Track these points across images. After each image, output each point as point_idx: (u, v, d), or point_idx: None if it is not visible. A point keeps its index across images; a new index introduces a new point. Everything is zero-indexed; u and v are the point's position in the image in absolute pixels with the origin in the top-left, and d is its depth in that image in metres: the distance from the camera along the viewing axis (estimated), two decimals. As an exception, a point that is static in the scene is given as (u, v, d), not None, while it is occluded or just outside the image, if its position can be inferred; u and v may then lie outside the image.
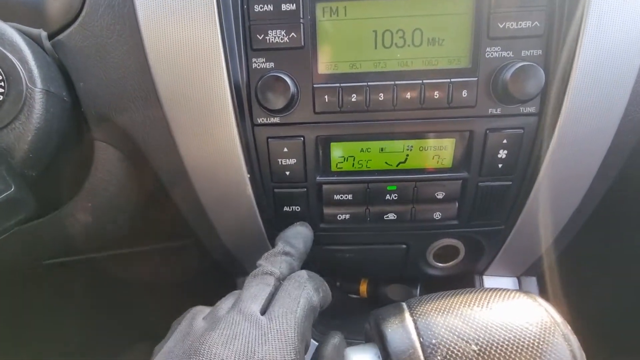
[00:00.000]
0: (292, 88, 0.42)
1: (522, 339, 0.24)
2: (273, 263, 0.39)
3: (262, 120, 0.44)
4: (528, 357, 0.23)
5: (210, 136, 0.44)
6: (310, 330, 0.33)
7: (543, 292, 0.61)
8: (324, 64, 0.43)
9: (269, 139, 0.45)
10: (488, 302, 0.27)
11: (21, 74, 0.38)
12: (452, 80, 0.42)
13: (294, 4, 0.41)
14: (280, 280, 0.37)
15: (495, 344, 0.24)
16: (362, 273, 0.67)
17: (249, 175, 0.46)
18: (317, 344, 0.62)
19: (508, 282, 0.61)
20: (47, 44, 0.42)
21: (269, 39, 0.42)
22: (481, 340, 0.24)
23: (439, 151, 0.46)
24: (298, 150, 0.45)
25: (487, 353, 0.24)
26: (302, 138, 0.45)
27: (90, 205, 0.51)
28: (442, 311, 0.27)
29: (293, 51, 0.42)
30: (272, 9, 0.41)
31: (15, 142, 0.38)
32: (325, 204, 0.49)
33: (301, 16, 0.41)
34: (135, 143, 0.47)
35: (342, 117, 0.44)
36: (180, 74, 0.41)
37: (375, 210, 0.49)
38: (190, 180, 0.48)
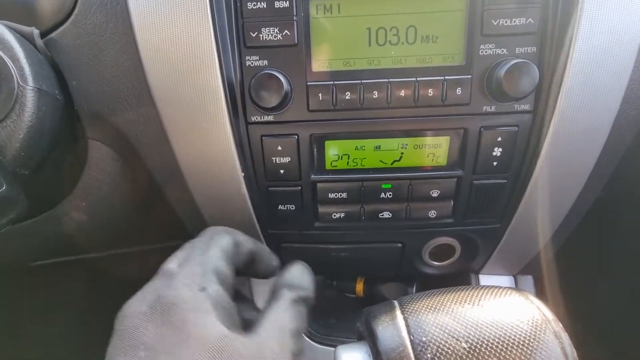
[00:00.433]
0: (286, 86, 0.42)
1: (513, 337, 0.24)
2: None
3: (256, 118, 0.44)
4: (518, 354, 0.23)
5: (203, 134, 0.44)
6: (227, 269, 0.34)
7: (539, 291, 0.61)
8: (318, 62, 0.43)
9: (263, 137, 0.45)
10: (479, 300, 0.27)
11: (13, 71, 0.38)
12: (446, 77, 0.42)
13: (287, 2, 0.41)
14: None
15: (486, 342, 0.24)
16: (358, 272, 0.67)
17: (243, 174, 0.46)
18: (314, 344, 0.62)
19: (504, 280, 0.61)
20: (39, 42, 0.42)
21: (263, 37, 0.41)
22: (471, 337, 0.24)
23: (433, 149, 0.46)
24: (292, 148, 0.45)
25: (477, 350, 0.24)
26: (296, 136, 0.45)
27: (84, 205, 0.50)
28: (433, 309, 0.26)
29: (286, 49, 0.42)
30: (265, 6, 0.41)
31: (6, 140, 0.38)
32: (319, 202, 0.49)
33: (294, 13, 0.41)
34: (128, 142, 0.47)
35: (336, 115, 0.44)
36: (173, 71, 0.41)
37: (370, 209, 0.49)
38: (184, 179, 0.48)
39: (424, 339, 0.24)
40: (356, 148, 0.46)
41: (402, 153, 0.46)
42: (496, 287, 0.28)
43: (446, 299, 0.27)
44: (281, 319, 0.32)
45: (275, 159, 0.46)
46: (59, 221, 0.51)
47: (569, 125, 0.42)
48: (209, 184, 0.48)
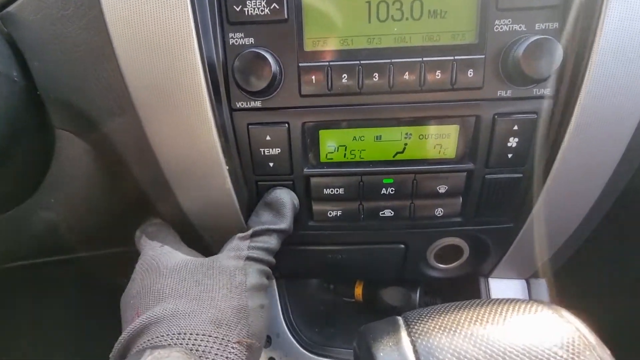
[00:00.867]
0: (274, 67, 0.37)
1: (549, 367, 0.19)
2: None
3: (242, 104, 0.39)
4: (558, 390, 0.18)
5: (182, 123, 0.39)
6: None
7: (554, 296, 0.56)
8: (311, 40, 0.38)
9: (250, 126, 0.40)
10: (504, 319, 0.22)
11: (-41, 49, 0.33)
12: (456, 58, 0.37)
13: (276, -30, 0.36)
14: None
15: (515, 373, 0.19)
16: (357, 275, 0.63)
17: (227, 167, 0.41)
18: (309, 354, 0.58)
19: (516, 285, 0.56)
20: (-5, 17, 0.37)
21: (248, 11, 0.37)
22: (497, 368, 0.19)
23: (441, 140, 0.41)
24: (282, 138, 0.41)
25: (506, 386, 0.19)
26: (286, 125, 0.40)
27: (52, 202, 0.46)
28: (447, 330, 0.21)
29: (275, 25, 0.37)
30: (250, -25, 0.36)
31: (-47, 127, 0.33)
32: (314, 199, 0.45)
33: (284, -16, 0.36)
34: (100, 131, 0.42)
35: (331, 101, 0.39)
36: (146, 50, 0.36)
37: (369, 206, 0.45)
38: (164, 174, 0.43)
39: (437, 369, 0.19)
40: (354, 138, 0.42)
41: (405, 144, 0.42)
42: (522, 301, 0.23)
43: (463, 317, 0.22)
44: (236, 243, 0.40)
45: (264, 151, 0.41)
46: (25, 220, 0.46)
47: (594, 112, 0.38)
48: (190, 179, 0.43)
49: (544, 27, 0.36)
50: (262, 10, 0.37)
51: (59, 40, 0.38)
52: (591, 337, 0.21)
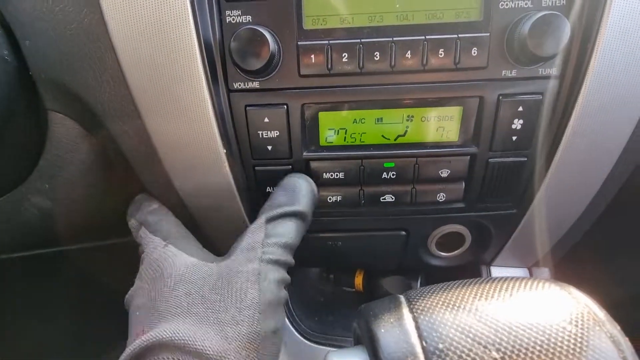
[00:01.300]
0: (273, 45, 0.36)
1: (557, 343, 0.18)
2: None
3: (239, 85, 0.38)
4: (567, 367, 0.17)
5: (178, 105, 0.38)
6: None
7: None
8: (310, 18, 0.37)
9: (248, 108, 0.39)
10: (510, 295, 0.21)
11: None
12: (460, 36, 0.36)
13: (274, -56, 0.35)
14: None
15: (523, 350, 0.18)
16: (357, 263, 0.62)
17: (225, 151, 0.40)
18: (309, 343, 0.57)
19: (518, 273, 0.56)
20: (-17, -7, 0.36)
21: (245, -13, 0.35)
22: (504, 344, 0.18)
23: (443, 122, 0.40)
24: (281, 120, 0.40)
25: (513, 362, 0.18)
26: (285, 106, 0.39)
27: (46, 187, 0.44)
28: (450, 306, 0.20)
29: (273, 2, 0.36)
30: (247, -51, 0.35)
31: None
32: (313, 184, 0.43)
33: (282, -41, 0.35)
34: (94, 114, 0.41)
35: (331, 82, 0.38)
36: (140, 29, 0.35)
37: (370, 191, 0.44)
38: (160, 159, 0.42)
39: (440, 345, 0.18)
40: (355, 121, 0.41)
41: (407, 127, 0.41)
42: (528, 278, 0.23)
43: (467, 294, 0.21)
44: (248, 239, 0.36)
45: (262, 134, 0.40)
46: (17, 208, 0.45)
47: (601, 92, 0.37)
48: (187, 163, 0.42)
49: (550, 4, 0.35)
50: (260, -13, 0.35)
51: (50, 18, 0.37)
52: (600, 313, 0.20)
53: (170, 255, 0.37)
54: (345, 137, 0.41)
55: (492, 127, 0.39)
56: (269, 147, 0.41)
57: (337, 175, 0.42)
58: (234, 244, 0.37)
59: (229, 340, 0.30)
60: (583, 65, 0.36)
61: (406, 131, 0.41)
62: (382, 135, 0.41)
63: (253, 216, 0.47)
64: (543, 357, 0.18)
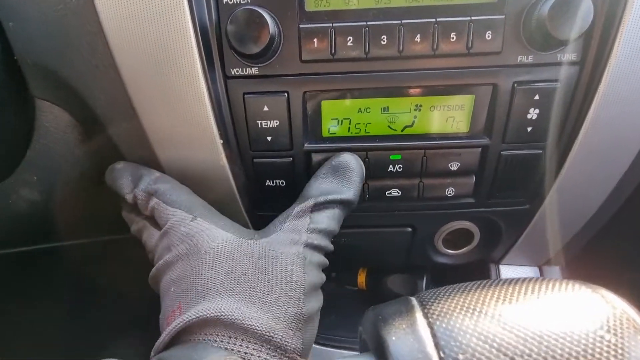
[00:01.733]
0: (272, 28, 0.33)
1: (596, 355, 0.16)
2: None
3: (237, 71, 0.36)
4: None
5: (172, 92, 0.36)
6: None
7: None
8: (313, -1, 0.34)
9: (246, 95, 0.37)
10: (537, 298, 0.18)
11: None
12: (473, 18, 0.34)
13: None
14: None
15: (555, 362, 0.16)
16: (360, 261, 0.60)
17: (221, 142, 0.38)
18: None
19: (528, 272, 0.53)
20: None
21: (243, -35, 0.33)
22: (534, 356, 0.16)
23: (454, 112, 0.38)
24: (281, 109, 0.37)
25: (545, 376, 0.16)
26: (285, 94, 0.37)
27: (35, 179, 0.42)
28: (470, 310, 0.18)
29: (273, -19, 0.34)
30: None
31: None
32: (315, 177, 0.41)
33: None
34: (84, 102, 0.38)
35: (335, 68, 0.36)
36: (131, 9, 0.33)
37: (375, 185, 0.41)
38: (153, 150, 0.40)
39: (460, 357, 0.16)
40: (359, 110, 0.38)
41: (415, 117, 0.38)
42: (555, 279, 0.20)
43: (488, 297, 0.19)
44: (294, 222, 0.35)
45: (261, 123, 0.38)
46: (5, 201, 0.43)
47: (624, 80, 0.34)
48: (182, 154, 0.40)
49: (571, -17, 0.33)
50: (258, -36, 0.33)
51: (35, -2, 0.34)
52: (641, 320, 0.17)
53: (203, 229, 0.35)
54: (349, 128, 0.39)
55: (506, 117, 0.37)
56: (269, 138, 0.39)
57: (340, 168, 0.40)
58: (275, 219, 0.37)
59: (276, 321, 0.30)
60: (605, 50, 0.33)
61: (414, 121, 0.39)
62: (389, 126, 0.39)
63: (252, 212, 0.45)
64: (578, 369, 0.15)
